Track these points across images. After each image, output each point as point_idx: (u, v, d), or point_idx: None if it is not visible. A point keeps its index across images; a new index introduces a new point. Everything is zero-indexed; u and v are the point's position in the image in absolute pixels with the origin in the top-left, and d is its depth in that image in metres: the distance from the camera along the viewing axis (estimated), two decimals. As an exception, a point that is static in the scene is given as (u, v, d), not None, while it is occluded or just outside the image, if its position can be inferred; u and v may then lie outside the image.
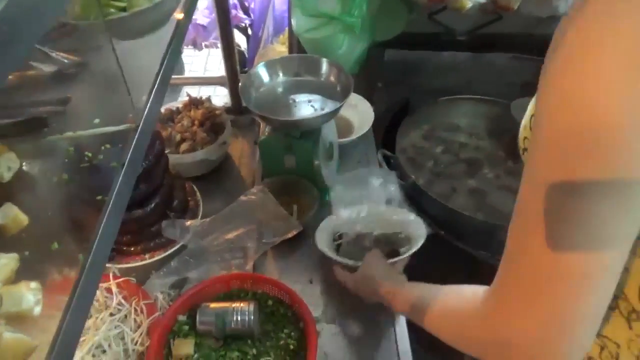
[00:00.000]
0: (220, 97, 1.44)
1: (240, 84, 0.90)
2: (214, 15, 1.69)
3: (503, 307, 0.42)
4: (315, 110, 0.90)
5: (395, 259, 0.79)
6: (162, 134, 1.02)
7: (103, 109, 0.57)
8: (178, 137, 1.02)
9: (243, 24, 1.74)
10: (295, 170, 0.96)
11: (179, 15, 0.68)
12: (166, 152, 1.00)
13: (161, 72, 0.58)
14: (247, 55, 1.80)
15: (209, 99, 1.11)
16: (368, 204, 0.93)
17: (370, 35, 1.25)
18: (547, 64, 0.40)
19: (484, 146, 1.40)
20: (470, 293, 0.49)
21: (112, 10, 0.63)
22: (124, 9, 0.63)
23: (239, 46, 1.92)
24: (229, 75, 1.17)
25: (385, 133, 1.42)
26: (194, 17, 1.63)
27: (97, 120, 0.55)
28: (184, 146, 1.01)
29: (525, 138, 0.55)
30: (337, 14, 1.09)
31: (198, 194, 0.95)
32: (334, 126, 1.00)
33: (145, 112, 0.53)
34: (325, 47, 1.18)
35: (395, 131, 1.34)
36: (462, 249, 1.14)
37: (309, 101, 0.92)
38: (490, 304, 0.44)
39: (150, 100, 0.54)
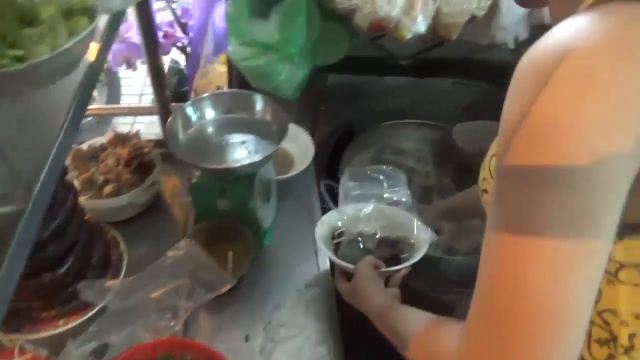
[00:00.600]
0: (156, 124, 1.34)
1: (166, 126, 0.82)
2: (149, 31, 1.59)
3: (475, 350, 0.41)
4: (249, 152, 0.85)
5: (389, 269, 0.79)
6: (83, 176, 0.93)
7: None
8: (101, 178, 0.93)
9: (181, 43, 1.65)
10: (231, 213, 0.90)
11: (90, 60, 0.60)
12: (87, 197, 0.91)
13: (59, 138, 0.50)
14: (186, 74, 1.71)
15: (137, 135, 1.02)
16: (374, 203, 0.91)
17: (311, 61, 1.20)
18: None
19: (429, 171, 1.39)
20: (449, 330, 0.50)
21: (5, 60, 0.55)
22: (21, 59, 0.55)
23: (177, 63, 1.82)
24: (159, 105, 1.09)
25: (329, 160, 1.38)
26: (127, 35, 1.53)
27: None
28: (107, 189, 0.92)
29: (484, 179, 0.54)
30: (275, 44, 1.04)
31: (122, 244, 0.87)
32: (271, 164, 0.94)
33: (37, 191, 0.46)
34: (264, 75, 1.12)
35: (339, 157, 1.31)
36: (412, 287, 1.13)
37: (243, 142, 0.86)
38: (464, 345, 0.43)
39: (43, 177, 0.47)
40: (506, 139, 0.41)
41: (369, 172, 1.02)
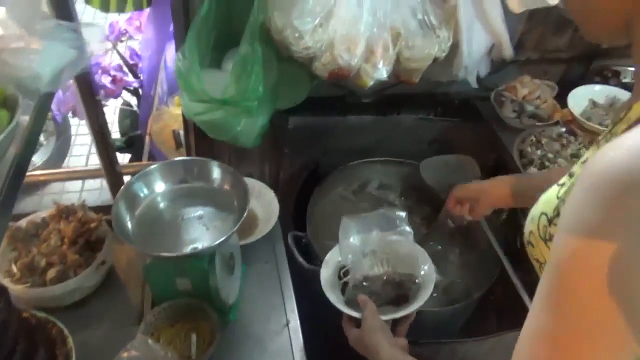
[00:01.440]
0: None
1: (111, 211, 0.73)
2: (98, 76, 1.48)
3: None
4: (207, 228, 0.77)
5: (395, 316, 0.79)
6: (22, 261, 0.83)
7: None
8: (43, 262, 0.83)
9: (131, 87, 1.55)
10: (191, 292, 0.82)
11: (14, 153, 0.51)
12: (27, 285, 0.81)
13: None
14: (139, 116, 1.61)
15: (83, 206, 0.92)
16: (377, 232, 0.89)
17: (270, 106, 1.14)
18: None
19: (398, 207, 1.35)
20: None
21: None
22: None
23: (130, 106, 1.72)
24: (105, 167, 0.99)
25: (294, 205, 1.32)
26: (70, 82, 1.42)
27: None
28: (51, 273, 0.82)
29: (530, 232, 0.52)
30: (230, 99, 0.97)
31: (68, 341, 0.76)
32: (235, 235, 0.87)
33: None
34: (221, 128, 1.05)
35: (306, 201, 1.25)
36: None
37: (200, 217, 0.79)
38: None
39: None
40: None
41: (365, 218, 0.96)
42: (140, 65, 1.54)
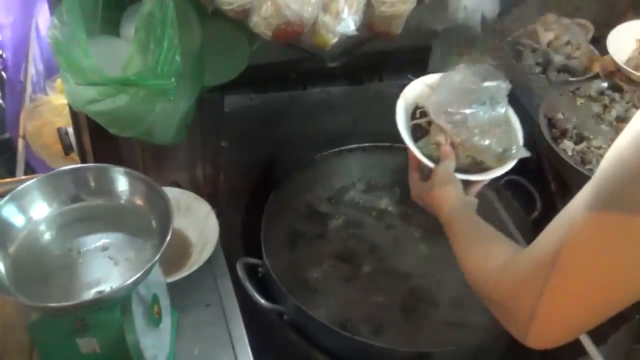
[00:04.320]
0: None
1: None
2: None
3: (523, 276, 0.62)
4: (116, 263, 0.79)
5: (470, 177, 0.99)
6: None
7: None
8: None
9: (-10, 69, 1.54)
10: (100, 356, 0.83)
11: None
12: None
13: None
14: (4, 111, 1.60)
15: None
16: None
17: (196, 84, 1.17)
18: None
19: (391, 222, 1.39)
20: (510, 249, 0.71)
21: None
22: None
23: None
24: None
25: (243, 224, 1.34)
26: None
27: None
28: None
29: None
30: (135, 77, 0.98)
31: None
32: (157, 268, 0.89)
33: None
34: (125, 119, 1.07)
35: (258, 216, 1.27)
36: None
37: (104, 248, 0.81)
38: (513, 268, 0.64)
39: None
40: None
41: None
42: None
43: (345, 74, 1.38)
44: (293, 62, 1.33)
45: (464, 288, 1.26)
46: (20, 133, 1.50)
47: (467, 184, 0.99)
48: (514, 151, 1.03)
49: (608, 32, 1.31)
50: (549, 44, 1.31)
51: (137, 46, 1.01)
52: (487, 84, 1.04)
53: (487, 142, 1.02)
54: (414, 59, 1.40)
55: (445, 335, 1.19)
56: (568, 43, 1.31)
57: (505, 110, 1.06)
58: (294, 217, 1.37)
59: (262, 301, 1.10)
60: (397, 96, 1.43)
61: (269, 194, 1.31)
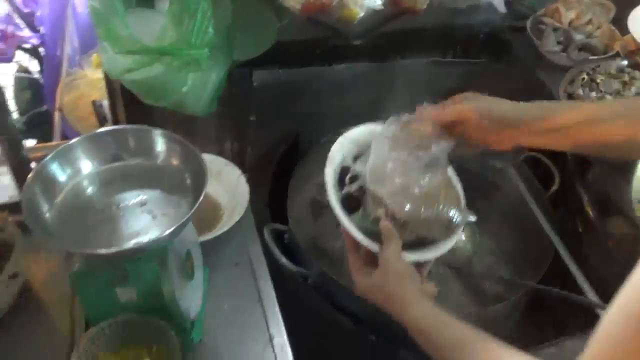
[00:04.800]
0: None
1: (21, 199, 0.79)
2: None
3: None
4: (154, 217, 0.83)
5: (420, 259, 0.84)
6: None
7: None
8: None
9: (29, 44, 1.59)
10: (138, 306, 0.88)
11: None
12: None
13: None
14: (42, 85, 1.65)
15: (-21, 204, 0.98)
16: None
17: (227, 58, 1.20)
18: None
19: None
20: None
21: None
22: None
23: (28, 72, 1.76)
24: (6, 151, 1.04)
25: (270, 193, 1.38)
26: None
27: None
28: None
29: None
30: (170, 47, 1.02)
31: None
32: (191, 226, 0.93)
33: None
34: (160, 89, 1.11)
35: (284, 186, 1.31)
36: (400, 356, 1.15)
37: (142, 203, 0.84)
38: None
39: None
40: None
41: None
42: (38, 13, 1.58)
43: (369, 52, 1.40)
44: (319, 40, 1.36)
45: (480, 256, 1.30)
46: (57, 105, 1.55)
47: (416, 265, 0.85)
48: (460, 218, 0.88)
49: (629, 12, 1.32)
50: (570, 23, 1.33)
51: (171, 17, 1.05)
52: (427, 141, 0.85)
53: (433, 212, 0.86)
54: (438, 37, 1.42)
55: (461, 301, 1.23)
56: (589, 22, 1.33)
57: (448, 171, 0.91)
58: (317, 189, 1.39)
59: (288, 264, 1.13)
60: (418, 74, 1.46)
61: (294, 166, 1.34)
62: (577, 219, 1.25)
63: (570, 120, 0.79)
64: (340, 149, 0.92)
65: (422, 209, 0.84)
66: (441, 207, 0.86)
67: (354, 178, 0.88)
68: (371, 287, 0.82)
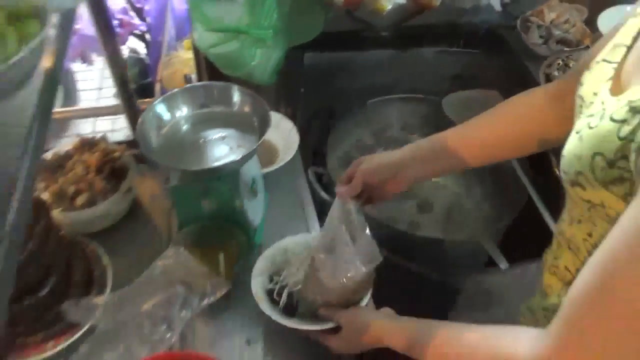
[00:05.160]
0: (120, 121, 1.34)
1: (136, 128, 0.83)
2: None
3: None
4: (231, 148, 0.86)
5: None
6: (52, 188, 0.94)
7: None
8: (72, 189, 0.94)
9: (139, 31, 1.64)
10: (216, 214, 0.92)
11: (47, 66, 0.60)
12: (59, 209, 0.92)
13: (29, 157, 0.51)
14: (148, 63, 1.70)
15: (104, 138, 1.03)
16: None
17: (285, 41, 1.22)
18: None
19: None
20: (510, 340, 0.50)
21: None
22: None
23: (137, 53, 1.81)
24: (124, 103, 1.09)
25: (313, 145, 1.41)
26: (77, 26, 1.51)
27: None
28: (80, 199, 0.93)
29: (579, 173, 0.50)
30: (244, 27, 1.05)
31: (104, 258, 0.88)
32: (256, 158, 0.96)
33: (12, 217, 0.47)
34: (235, 61, 1.14)
35: (324, 141, 1.34)
36: (409, 269, 1.18)
37: (223, 138, 0.88)
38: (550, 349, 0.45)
39: (16, 201, 0.47)
40: None
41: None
42: (146, 8, 1.62)
43: (392, 42, 1.41)
44: (354, 31, 1.37)
45: (467, 198, 1.31)
46: (158, 78, 1.59)
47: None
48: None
49: (598, 15, 1.29)
50: (551, 22, 1.30)
51: (247, 6, 1.07)
52: (358, 246, 0.73)
53: (361, 296, 0.77)
54: (447, 32, 1.41)
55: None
56: (566, 21, 1.30)
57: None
58: (348, 145, 1.42)
59: (327, 197, 1.16)
60: (430, 60, 1.46)
61: (331, 127, 1.36)
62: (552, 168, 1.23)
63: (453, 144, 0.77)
64: (259, 273, 0.84)
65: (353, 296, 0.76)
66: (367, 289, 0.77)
67: (281, 290, 0.81)
68: (347, 343, 0.74)
